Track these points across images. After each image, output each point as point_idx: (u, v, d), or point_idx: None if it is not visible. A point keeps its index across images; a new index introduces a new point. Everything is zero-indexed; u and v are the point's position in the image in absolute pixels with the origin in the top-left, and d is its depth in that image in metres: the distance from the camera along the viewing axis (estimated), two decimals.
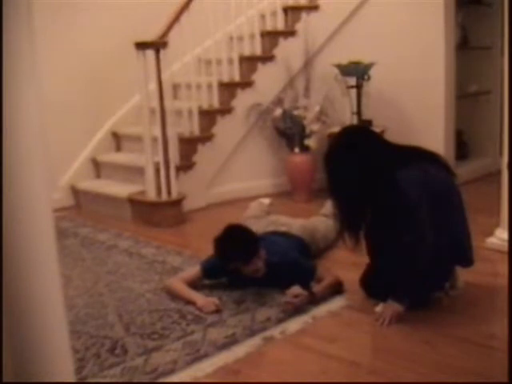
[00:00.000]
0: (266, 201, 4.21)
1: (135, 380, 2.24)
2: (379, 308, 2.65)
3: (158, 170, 4.28)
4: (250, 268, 2.87)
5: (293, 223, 3.49)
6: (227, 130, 4.75)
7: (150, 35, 4.14)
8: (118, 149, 5.17)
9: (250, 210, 3.97)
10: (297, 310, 2.71)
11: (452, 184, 2.73)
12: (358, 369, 2.29)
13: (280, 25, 5.02)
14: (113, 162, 4.96)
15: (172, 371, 2.29)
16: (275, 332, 2.58)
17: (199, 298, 2.86)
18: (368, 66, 4.65)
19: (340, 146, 2.72)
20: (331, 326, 2.65)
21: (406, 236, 2.54)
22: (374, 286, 2.77)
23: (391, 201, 2.57)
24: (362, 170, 2.58)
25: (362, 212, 2.70)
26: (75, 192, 4.93)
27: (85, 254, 3.75)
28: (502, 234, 3.40)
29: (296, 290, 2.74)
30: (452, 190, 2.71)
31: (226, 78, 4.75)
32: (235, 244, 2.87)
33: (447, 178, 2.72)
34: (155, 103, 4.22)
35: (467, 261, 2.75)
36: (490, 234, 3.48)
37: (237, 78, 4.79)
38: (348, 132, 2.90)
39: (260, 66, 4.88)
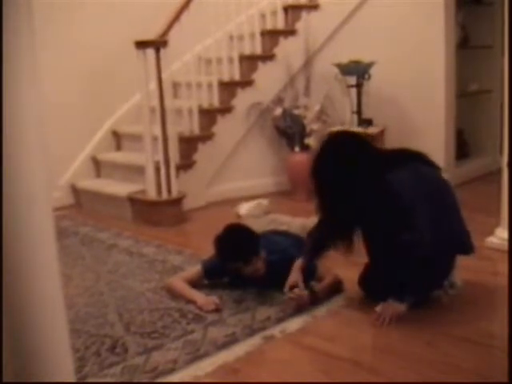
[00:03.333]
0: (265, 201, 4.21)
1: (135, 379, 2.24)
2: (379, 308, 2.65)
3: (158, 169, 4.28)
4: (250, 268, 2.87)
5: (292, 222, 3.49)
6: (227, 129, 4.75)
7: (150, 34, 4.14)
8: (119, 148, 5.17)
9: (245, 209, 4.01)
10: (298, 310, 2.72)
11: (443, 181, 2.74)
12: (358, 368, 2.29)
13: (280, 24, 5.02)
14: (113, 161, 4.96)
15: (172, 370, 2.29)
16: (275, 331, 2.58)
17: (199, 296, 2.86)
18: (368, 65, 4.65)
19: (325, 160, 2.65)
20: (331, 325, 2.65)
21: (403, 235, 2.53)
22: (373, 285, 2.78)
23: (385, 204, 2.56)
24: (350, 181, 2.56)
25: (354, 222, 2.69)
26: (75, 191, 4.93)
27: (85, 253, 3.75)
28: (502, 233, 3.40)
29: (298, 290, 2.74)
30: (444, 187, 2.72)
31: (226, 77, 4.75)
32: (235, 244, 2.87)
33: (438, 175, 2.72)
34: (155, 102, 4.23)
35: (468, 248, 2.74)
36: (490, 233, 3.48)
37: (237, 77, 4.80)
38: (332, 143, 2.76)
39: (260, 65, 4.88)
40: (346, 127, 4.81)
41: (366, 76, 4.68)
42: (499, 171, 3.51)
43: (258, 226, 3.33)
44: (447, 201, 2.70)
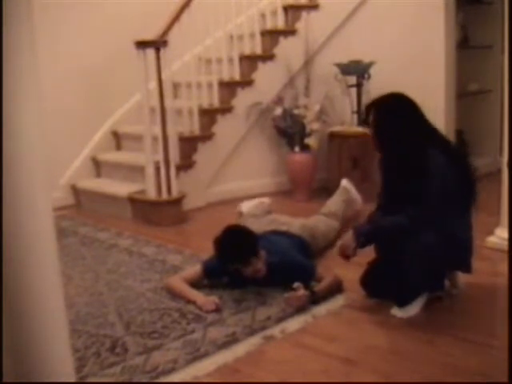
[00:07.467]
0: (266, 200, 4.21)
1: (135, 379, 2.24)
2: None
3: (158, 169, 4.28)
4: (250, 269, 2.87)
5: (293, 222, 3.49)
6: (227, 128, 4.75)
7: (151, 34, 4.14)
8: (119, 148, 5.17)
9: (247, 207, 4.02)
10: (298, 310, 2.72)
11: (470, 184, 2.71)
12: (358, 368, 2.29)
13: (280, 24, 5.01)
14: (113, 161, 4.96)
15: (172, 370, 2.29)
16: (275, 331, 2.58)
17: (199, 296, 2.86)
18: (368, 65, 4.65)
19: (390, 107, 2.85)
20: (331, 324, 2.65)
21: (411, 210, 2.54)
22: (375, 285, 2.78)
23: (419, 168, 2.59)
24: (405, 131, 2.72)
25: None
26: (75, 191, 4.93)
27: (85, 252, 3.75)
28: (502, 232, 3.40)
29: (299, 292, 2.74)
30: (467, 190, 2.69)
31: (226, 77, 4.75)
32: (234, 246, 2.87)
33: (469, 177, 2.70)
34: (155, 102, 4.22)
35: (465, 266, 2.73)
36: (491, 232, 3.48)
37: (237, 76, 4.79)
38: (396, 97, 2.92)
39: (260, 64, 4.88)
40: (345, 127, 4.82)
41: (366, 76, 4.68)
42: (499, 171, 3.51)
43: (258, 226, 3.33)
44: (463, 206, 2.68)
